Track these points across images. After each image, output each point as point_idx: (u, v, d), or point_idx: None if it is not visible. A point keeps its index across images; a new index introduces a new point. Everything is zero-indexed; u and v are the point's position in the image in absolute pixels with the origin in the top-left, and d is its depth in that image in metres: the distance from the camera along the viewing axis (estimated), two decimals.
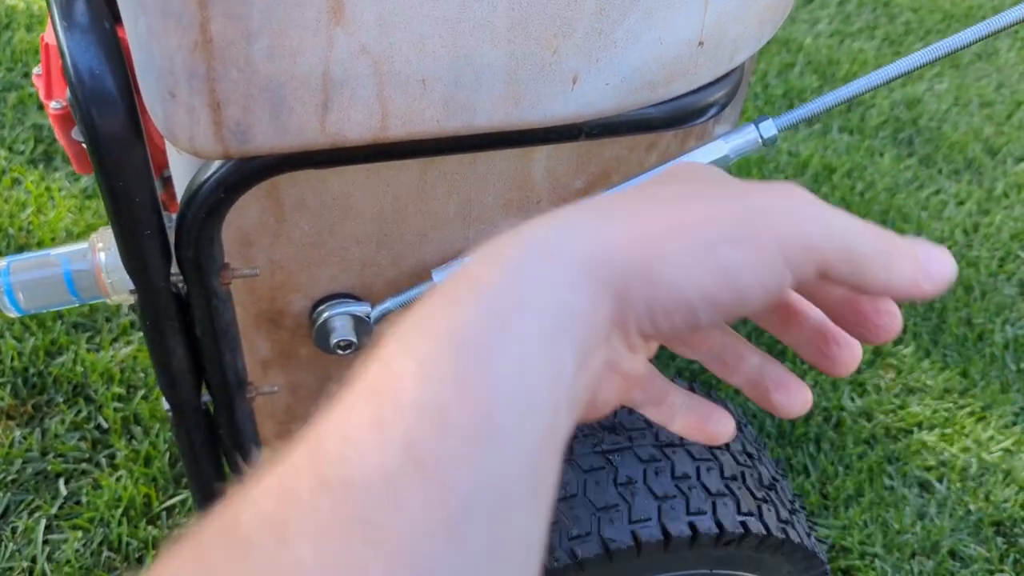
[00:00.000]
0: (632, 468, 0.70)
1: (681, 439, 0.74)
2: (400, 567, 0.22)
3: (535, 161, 0.69)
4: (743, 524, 0.70)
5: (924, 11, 2.77)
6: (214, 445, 0.82)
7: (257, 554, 0.22)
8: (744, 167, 1.97)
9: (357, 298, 0.75)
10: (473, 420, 0.24)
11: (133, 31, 0.50)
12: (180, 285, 0.67)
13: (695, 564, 0.71)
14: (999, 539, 1.33)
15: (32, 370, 1.27)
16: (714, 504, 0.70)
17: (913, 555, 1.29)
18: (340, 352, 0.74)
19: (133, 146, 0.56)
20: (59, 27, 0.54)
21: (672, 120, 0.67)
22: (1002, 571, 1.29)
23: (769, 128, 0.71)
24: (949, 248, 1.84)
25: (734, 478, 0.73)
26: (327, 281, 0.73)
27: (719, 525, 0.69)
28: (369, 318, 0.74)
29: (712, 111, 0.70)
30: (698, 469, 0.72)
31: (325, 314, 0.74)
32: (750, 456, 0.78)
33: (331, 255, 0.71)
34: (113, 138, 0.55)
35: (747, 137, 0.70)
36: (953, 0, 2.84)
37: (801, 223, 0.29)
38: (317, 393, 0.84)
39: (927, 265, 0.31)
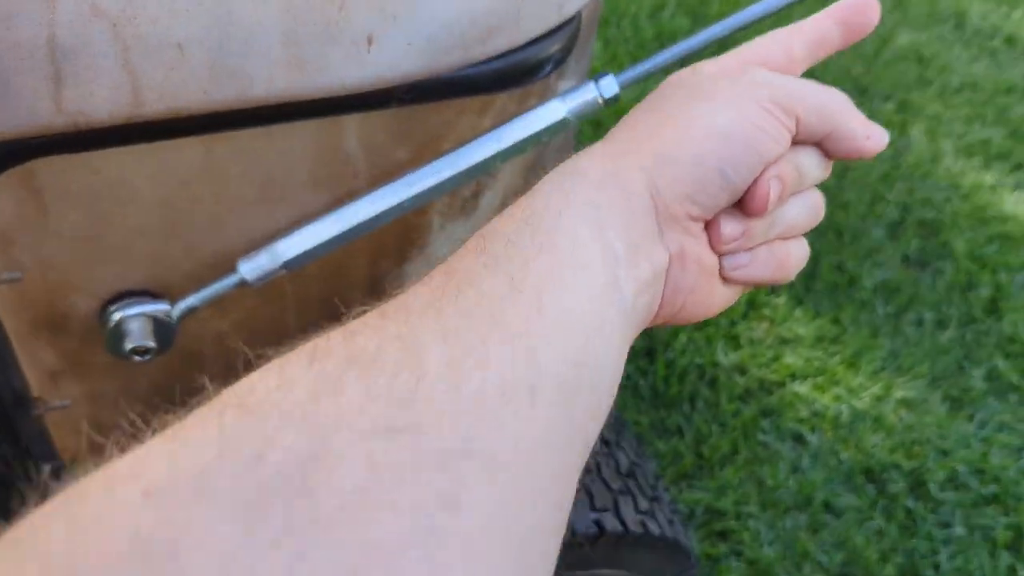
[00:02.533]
0: None
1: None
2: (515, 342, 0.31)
3: (346, 132, 0.60)
4: (597, 523, 0.65)
5: None
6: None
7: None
8: (619, 112, 1.92)
9: (154, 295, 0.65)
10: (544, 274, 0.34)
11: None
12: None
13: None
14: (870, 486, 1.34)
15: None
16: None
17: (787, 511, 1.28)
18: (137, 358, 0.64)
19: None
20: None
21: (500, 80, 0.60)
22: (872, 519, 1.30)
23: (611, 86, 0.64)
24: (823, 190, 1.84)
25: (588, 471, 0.68)
26: (113, 279, 0.63)
27: (570, 526, 0.63)
28: (171, 317, 0.65)
29: (547, 68, 0.63)
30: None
31: (117, 316, 0.64)
32: (607, 443, 0.72)
33: (112, 249, 0.61)
34: None
35: (586, 97, 0.63)
36: None
37: (767, 85, 0.41)
38: (128, 398, 0.74)
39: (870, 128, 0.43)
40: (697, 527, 1.22)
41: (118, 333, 0.64)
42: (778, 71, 0.44)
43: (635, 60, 2.23)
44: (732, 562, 1.19)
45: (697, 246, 0.40)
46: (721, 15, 2.34)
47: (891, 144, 2.02)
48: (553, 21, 0.58)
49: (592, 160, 0.39)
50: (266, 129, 0.57)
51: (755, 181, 0.40)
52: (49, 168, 0.54)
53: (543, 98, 0.69)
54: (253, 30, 0.46)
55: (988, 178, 2.01)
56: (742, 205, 0.41)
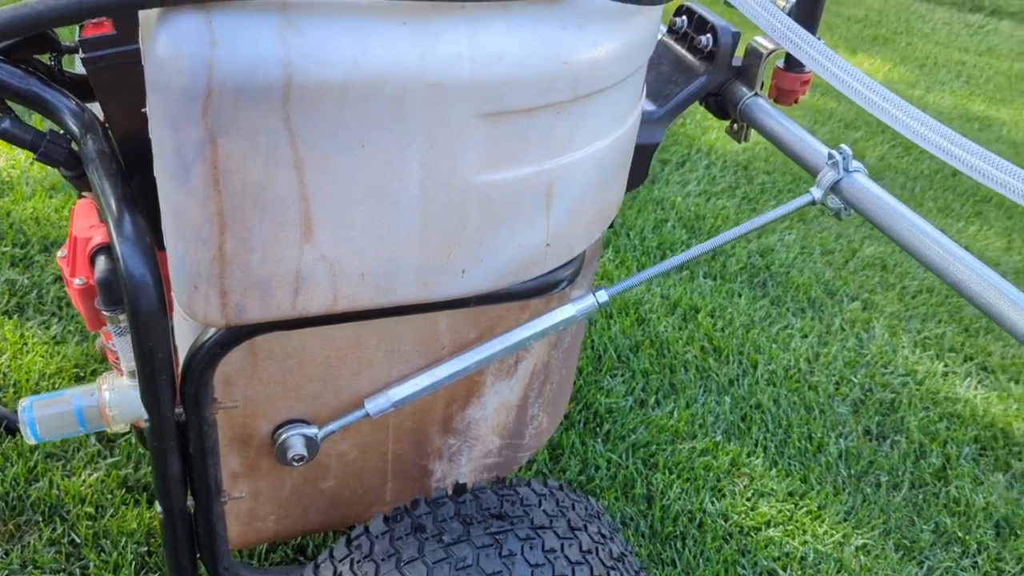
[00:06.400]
0: (512, 544, 0.93)
1: (551, 522, 0.97)
2: None
3: (440, 320, 0.95)
4: None
5: (777, 173, 3.20)
6: (192, 543, 1.01)
7: None
8: (623, 308, 2.27)
9: (307, 422, 0.97)
10: None
11: (173, 248, 0.74)
12: (180, 415, 0.89)
13: None
14: None
15: (13, 495, 1.43)
16: (574, 571, 0.93)
17: None
18: (295, 464, 0.96)
19: (162, 321, 0.79)
20: (115, 237, 0.78)
21: (534, 292, 0.94)
22: None
23: (603, 296, 0.99)
24: (793, 375, 2.16)
25: (590, 551, 0.97)
26: (286, 410, 0.96)
27: None
28: (316, 438, 0.97)
29: (563, 285, 0.97)
30: (562, 544, 0.95)
31: (284, 435, 0.96)
32: (604, 536, 1.01)
33: (290, 391, 0.94)
34: (150, 317, 0.78)
35: (588, 302, 0.98)
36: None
37: None
38: (274, 498, 1.05)
39: None
40: None
41: (284, 447, 0.97)
42: None
43: (641, 265, 2.62)
44: None
45: None
46: (714, 228, 2.74)
47: (856, 336, 2.35)
48: (566, 258, 0.93)
49: None
50: (395, 319, 0.92)
51: None
52: (264, 339, 0.89)
53: (562, 301, 1.04)
54: (402, 268, 0.81)
55: (940, 367, 2.32)
56: None
